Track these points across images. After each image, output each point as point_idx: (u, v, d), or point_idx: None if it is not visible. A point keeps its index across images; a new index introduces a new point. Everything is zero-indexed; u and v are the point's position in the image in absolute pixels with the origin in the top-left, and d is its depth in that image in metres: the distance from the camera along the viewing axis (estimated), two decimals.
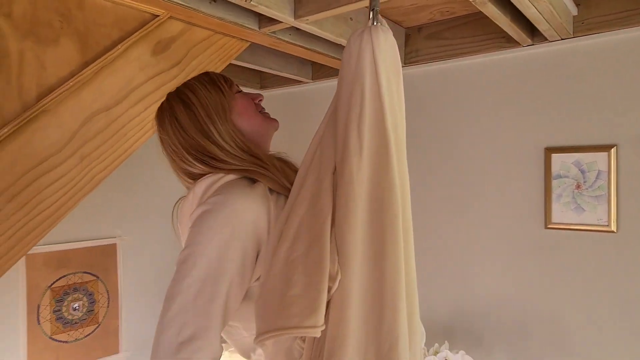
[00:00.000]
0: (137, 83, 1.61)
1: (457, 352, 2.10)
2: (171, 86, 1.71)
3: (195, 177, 1.02)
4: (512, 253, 2.23)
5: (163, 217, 2.64)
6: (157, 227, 2.61)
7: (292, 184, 0.93)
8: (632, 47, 1.93)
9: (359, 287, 0.81)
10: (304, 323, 0.77)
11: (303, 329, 0.77)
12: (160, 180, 2.62)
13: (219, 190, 0.91)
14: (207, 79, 1.07)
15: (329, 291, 0.79)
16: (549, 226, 2.13)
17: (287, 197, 0.92)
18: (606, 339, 2.00)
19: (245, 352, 1.01)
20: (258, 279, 0.89)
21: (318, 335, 0.78)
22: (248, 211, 0.85)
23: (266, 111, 1.16)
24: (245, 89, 1.60)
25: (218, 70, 1.91)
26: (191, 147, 1.00)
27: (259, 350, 0.95)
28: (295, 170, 1.03)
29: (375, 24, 0.89)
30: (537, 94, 2.15)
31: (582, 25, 1.97)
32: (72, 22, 1.43)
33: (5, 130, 1.28)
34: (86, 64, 1.47)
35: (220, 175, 0.97)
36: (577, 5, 1.96)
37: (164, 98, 1.17)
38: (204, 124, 0.98)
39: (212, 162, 0.97)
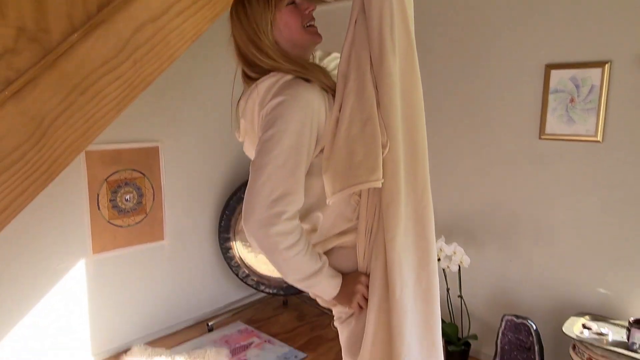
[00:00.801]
0: None
1: (450, 244, 2.43)
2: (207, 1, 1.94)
3: (258, 74, 1.20)
4: (508, 161, 2.48)
5: (199, 125, 2.97)
6: (194, 134, 2.94)
7: (334, 84, 1.19)
8: None
9: (402, 151, 1.12)
10: (370, 178, 1.07)
11: (370, 182, 1.07)
12: (197, 94, 2.91)
13: (285, 87, 1.13)
14: None
15: (382, 155, 1.09)
16: (542, 137, 2.36)
17: (332, 94, 1.17)
18: (585, 236, 2.28)
19: (300, 218, 1.22)
20: (317, 155, 1.17)
21: (379, 186, 1.09)
22: (315, 100, 1.11)
23: (314, 24, 1.27)
24: None
25: None
26: (250, 49, 1.20)
27: (317, 214, 1.21)
28: (328, 75, 1.25)
29: None
30: (541, 10, 2.28)
31: None
32: None
33: (75, 35, 1.57)
34: None
35: (280, 75, 1.17)
36: None
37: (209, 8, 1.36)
38: (253, 34, 1.18)
39: (266, 62, 1.18)
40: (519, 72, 2.39)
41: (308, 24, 1.24)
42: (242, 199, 3.23)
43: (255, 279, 3.12)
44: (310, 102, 1.10)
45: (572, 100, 2.26)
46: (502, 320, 2.30)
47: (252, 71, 1.23)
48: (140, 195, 2.73)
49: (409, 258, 1.15)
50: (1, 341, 2.24)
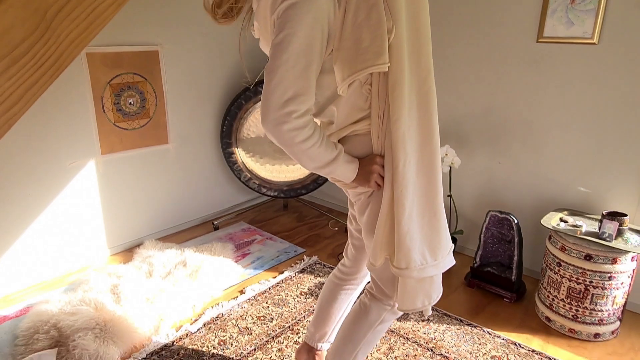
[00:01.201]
0: None
1: (443, 146, 2.54)
2: None
3: None
4: (504, 65, 2.51)
5: (198, 30, 2.95)
6: (194, 37, 2.93)
7: None
8: None
9: (406, 36, 1.18)
10: (377, 62, 1.13)
11: (376, 66, 1.14)
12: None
13: None
14: None
15: (388, 41, 1.14)
16: (540, 40, 2.37)
17: None
18: (571, 137, 2.38)
19: (317, 113, 1.32)
20: (329, 54, 1.23)
21: (386, 69, 1.15)
22: (325, 2, 1.13)
23: None
24: None
25: None
26: None
27: (332, 108, 1.29)
28: None
29: None
30: None
31: None
32: None
33: None
34: None
35: None
36: None
37: None
38: None
39: None
40: None
41: None
42: (242, 105, 3.29)
43: (257, 182, 3.28)
44: (321, 4, 1.12)
45: (572, 1, 2.24)
46: (486, 216, 2.48)
47: None
48: (143, 100, 2.79)
49: (412, 136, 1.25)
50: (21, 236, 2.44)
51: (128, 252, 2.86)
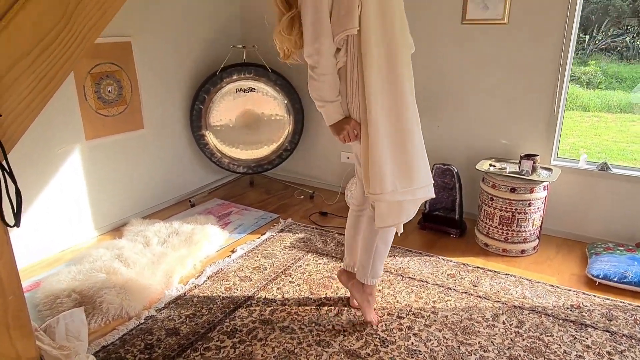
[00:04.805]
0: None
1: None
2: None
3: None
4: (437, 44, 3.04)
5: (169, 21, 3.19)
6: (162, 28, 3.18)
7: None
8: None
9: (374, 10, 1.61)
10: (348, 26, 1.60)
11: (349, 29, 1.60)
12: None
13: None
14: None
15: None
16: (464, 22, 2.92)
17: None
18: (491, 101, 2.97)
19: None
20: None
21: (355, 32, 1.61)
22: None
23: None
24: None
25: None
26: None
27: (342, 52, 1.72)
28: None
29: None
30: None
31: None
32: None
33: None
34: None
35: None
36: None
37: None
38: None
39: None
40: None
41: None
42: (210, 90, 3.60)
43: (227, 160, 3.59)
44: None
45: None
46: (432, 168, 3.00)
47: None
48: (120, 88, 3.00)
49: (384, 88, 1.69)
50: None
51: (116, 231, 3.06)
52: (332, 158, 3.73)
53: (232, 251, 2.79)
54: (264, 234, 3.02)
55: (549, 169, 2.76)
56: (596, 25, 6.28)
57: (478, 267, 2.60)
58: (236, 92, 3.46)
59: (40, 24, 1.78)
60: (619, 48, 6.36)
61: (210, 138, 3.50)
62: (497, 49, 2.87)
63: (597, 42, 6.08)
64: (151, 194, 3.35)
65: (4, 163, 1.71)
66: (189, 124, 3.50)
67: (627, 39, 6.28)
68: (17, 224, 1.67)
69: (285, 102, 3.53)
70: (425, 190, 1.88)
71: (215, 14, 3.59)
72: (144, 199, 3.31)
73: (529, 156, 2.69)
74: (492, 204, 2.72)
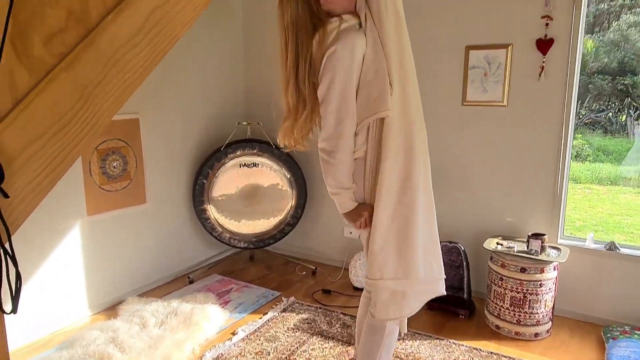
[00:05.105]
0: None
1: None
2: None
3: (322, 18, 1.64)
4: (440, 123, 3.12)
5: (176, 99, 3.28)
6: (169, 105, 3.25)
7: None
8: None
9: (396, 94, 1.61)
10: (381, 109, 1.58)
11: (382, 112, 1.58)
12: (175, 72, 3.21)
13: (341, 34, 1.59)
14: None
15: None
16: (465, 103, 3.02)
17: None
18: (495, 179, 3.00)
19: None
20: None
21: (390, 115, 1.60)
22: (360, 48, 1.58)
23: None
24: None
25: None
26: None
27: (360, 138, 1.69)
28: None
29: None
30: (463, 4, 2.91)
31: None
32: None
33: (110, 17, 1.88)
34: None
35: (338, 22, 1.62)
36: None
37: None
38: (307, 3, 1.60)
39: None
40: (447, 51, 3.02)
41: None
42: (214, 165, 3.62)
43: (228, 235, 3.53)
44: (356, 49, 1.58)
45: (485, 74, 2.94)
46: None
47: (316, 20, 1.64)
48: (126, 163, 3.01)
49: (396, 176, 1.67)
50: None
51: (111, 310, 2.92)
52: (334, 232, 3.68)
53: (233, 333, 2.66)
54: (266, 313, 2.90)
55: (557, 249, 2.72)
56: (579, 102, 6.62)
57: (492, 353, 2.48)
58: (240, 166, 3.48)
59: (58, 106, 1.81)
60: (602, 123, 6.62)
61: (212, 212, 3.47)
62: (498, 129, 2.95)
63: (581, 117, 6.33)
64: (149, 270, 3.25)
65: (6, 246, 1.66)
66: (191, 198, 3.48)
67: (610, 114, 6.55)
68: (14, 310, 1.58)
69: (288, 176, 3.55)
70: (433, 285, 1.80)
71: (221, 91, 3.70)
72: (142, 275, 3.20)
73: (536, 235, 2.66)
74: (502, 284, 2.65)
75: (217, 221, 3.50)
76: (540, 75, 2.76)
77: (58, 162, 1.83)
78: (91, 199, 2.81)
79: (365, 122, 1.62)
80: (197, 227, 3.58)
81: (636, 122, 6.45)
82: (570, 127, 2.75)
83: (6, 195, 1.65)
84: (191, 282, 3.36)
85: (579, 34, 2.66)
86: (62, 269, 2.70)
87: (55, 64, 1.75)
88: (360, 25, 1.64)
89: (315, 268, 3.58)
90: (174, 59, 3.22)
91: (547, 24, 2.70)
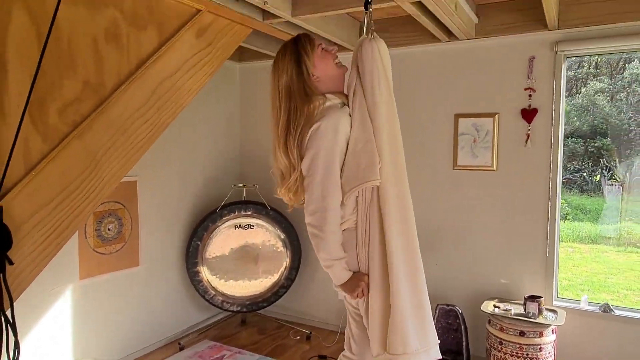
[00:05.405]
0: (187, 57, 2.30)
1: None
2: (206, 60, 2.42)
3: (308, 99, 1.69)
4: (432, 186, 3.21)
5: (173, 162, 3.32)
6: (168, 170, 3.29)
7: None
8: (510, 47, 2.93)
9: (388, 166, 1.66)
10: (371, 178, 1.62)
11: (371, 181, 1.62)
12: (173, 135, 3.28)
13: (326, 111, 1.66)
14: (293, 48, 1.73)
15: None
16: (455, 168, 3.14)
17: None
18: (487, 241, 3.06)
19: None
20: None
21: (378, 184, 1.63)
22: (343, 126, 1.65)
23: (338, 61, 1.82)
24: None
25: (233, 48, 2.62)
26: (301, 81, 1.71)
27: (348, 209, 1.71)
28: None
29: (374, 35, 1.72)
30: (452, 76, 3.11)
31: (480, 31, 2.93)
32: (154, 14, 2.10)
33: (123, 87, 1.96)
34: (161, 44, 2.15)
35: (323, 100, 1.70)
36: (478, 17, 2.91)
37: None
38: (299, 72, 1.69)
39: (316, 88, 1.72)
40: (437, 120, 3.18)
41: (337, 61, 1.80)
42: (209, 227, 3.61)
43: (220, 298, 3.46)
44: (340, 127, 1.65)
45: (474, 141, 3.08)
46: (436, 309, 2.95)
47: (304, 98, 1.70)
48: (121, 225, 2.99)
49: (403, 243, 1.69)
50: None
51: None
52: (330, 295, 3.64)
53: None
54: None
55: (554, 311, 2.74)
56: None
57: None
58: (235, 228, 3.48)
59: (68, 173, 1.83)
60: (578, 182, 6.86)
61: (205, 274, 3.42)
62: (488, 192, 3.05)
63: None
64: (140, 335, 3.14)
65: (8, 313, 1.62)
66: (184, 260, 3.44)
67: (584, 174, 6.80)
68: None
69: (283, 237, 3.56)
70: (437, 350, 1.79)
71: (218, 154, 3.77)
72: (131, 342, 3.08)
73: (533, 298, 2.69)
74: (501, 349, 2.63)
75: (210, 283, 3.44)
76: (526, 142, 2.90)
77: (62, 229, 1.83)
78: (84, 263, 2.76)
79: (354, 191, 1.65)
80: (189, 290, 3.51)
81: (609, 182, 6.69)
82: (557, 189, 2.87)
83: (11, 262, 1.64)
84: (182, 348, 3.24)
85: (560, 104, 2.84)
86: (48, 336, 2.60)
87: (68, 132, 1.81)
88: (344, 104, 1.73)
89: (310, 332, 3.51)
90: (172, 123, 3.30)
91: (530, 95, 2.89)
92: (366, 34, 1.77)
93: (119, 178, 2.02)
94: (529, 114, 2.89)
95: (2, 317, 1.55)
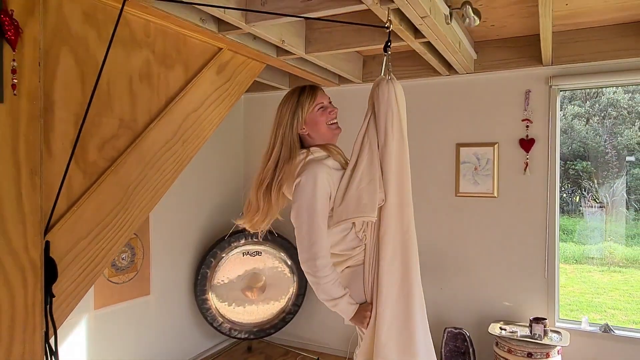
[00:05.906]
0: (209, 93, 2.40)
1: None
2: (225, 95, 2.53)
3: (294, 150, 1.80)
4: (435, 213, 3.34)
5: (184, 191, 3.38)
6: (179, 198, 3.34)
7: (346, 160, 1.83)
8: (507, 81, 3.12)
9: (393, 204, 1.74)
10: (370, 214, 1.69)
11: (367, 217, 1.69)
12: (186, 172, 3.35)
13: (307, 165, 1.73)
14: (296, 98, 1.83)
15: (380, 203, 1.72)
16: (458, 195, 3.27)
17: (342, 169, 1.81)
18: (490, 265, 3.18)
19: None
20: (331, 213, 1.75)
21: (374, 220, 1.71)
22: (321, 180, 1.70)
23: (335, 121, 1.89)
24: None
25: (249, 83, 2.74)
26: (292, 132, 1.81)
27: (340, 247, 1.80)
28: (342, 154, 1.91)
29: (391, 77, 1.84)
30: (453, 108, 3.28)
31: (479, 66, 3.12)
32: (181, 54, 2.21)
33: (152, 124, 2.05)
34: (187, 81, 2.25)
35: (306, 153, 1.80)
36: (477, 52, 3.09)
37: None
38: (292, 123, 1.79)
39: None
40: (440, 149, 3.32)
41: (332, 122, 1.87)
42: (217, 254, 3.66)
43: (228, 325, 3.48)
44: (320, 180, 1.71)
45: (475, 169, 3.22)
46: (444, 333, 3.03)
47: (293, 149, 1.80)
48: (134, 255, 3.02)
49: (394, 278, 1.74)
50: None
51: None
52: (337, 320, 3.69)
53: None
54: None
55: (558, 332, 2.85)
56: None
57: None
58: (243, 255, 3.53)
59: (104, 207, 1.89)
60: (560, 203, 7.11)
61: (214, 301, 3.45)
62: (490, 217, 3.18)
63: None
64: None
65: (52, 341, 1.64)
66: (193, 288, 3.46)
67: (564, 195, 7.04)
68: None
69: (290, 263, 3.62)
70: None
71: (224, 184, 3.85)
72: None
73: (538, 320, 2.80)
74: None
75: (219, 311, 3.46)
76: (525, 170, 3.06)
77: (97, 261, 1.89)
78: (99, 292, 2.78)
79: (348, 221, 1.71)
80: (197, 318, 3.52)
81: (588, 204, 6.92)
82: (555, 213, 3.01)
83: (52, 295, 1.68)
84: None
85: (556, 134, 3.02)
86: None
87: (106, 167, 1.89)
88: (327, 157, 1.81)
89: (317, 358, 3.54)
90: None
91: (527, 126, 3.06)
92: (384, 74, 1.89)
93: (148, 211, 2.08)
94: (526, 144, 3.06)
95: (47, 347, 1.58)
